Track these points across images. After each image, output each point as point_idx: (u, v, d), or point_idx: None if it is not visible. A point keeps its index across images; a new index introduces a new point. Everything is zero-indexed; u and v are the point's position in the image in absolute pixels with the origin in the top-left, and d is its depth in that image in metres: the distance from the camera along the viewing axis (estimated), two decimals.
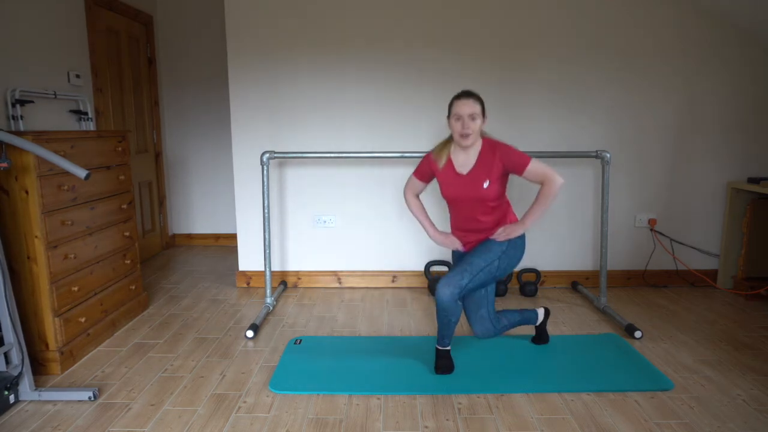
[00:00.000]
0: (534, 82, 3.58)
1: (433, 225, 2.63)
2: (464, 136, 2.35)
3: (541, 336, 2.81)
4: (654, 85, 3.60)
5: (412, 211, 2.66)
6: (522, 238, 2.48)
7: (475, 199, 2.41)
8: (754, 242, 3.54)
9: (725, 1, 3.40)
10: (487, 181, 2.37)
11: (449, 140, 2.50)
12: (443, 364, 2.50)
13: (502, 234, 2.42)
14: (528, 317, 2.70)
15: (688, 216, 3.77)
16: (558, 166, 3.68)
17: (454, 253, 2.66)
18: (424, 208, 2.66)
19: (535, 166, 2.34)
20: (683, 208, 3.76)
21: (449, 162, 2.47)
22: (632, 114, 3.64)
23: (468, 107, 2.33)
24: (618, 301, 3.53)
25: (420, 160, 2.64)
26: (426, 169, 2.56)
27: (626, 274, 3.83)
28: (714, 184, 3.74)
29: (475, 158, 2.41)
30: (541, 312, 2.78)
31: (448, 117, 2.41)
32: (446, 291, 2.32)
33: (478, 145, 2.42)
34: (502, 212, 2.47)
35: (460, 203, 2.46)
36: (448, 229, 2.79)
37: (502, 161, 2.36)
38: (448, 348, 2.52)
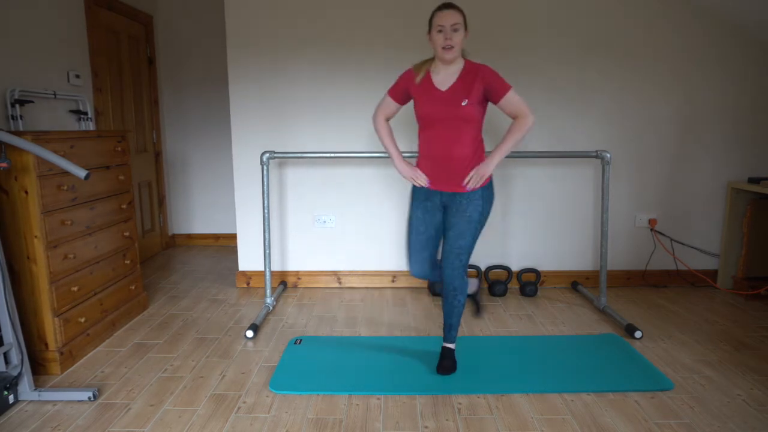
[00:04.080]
0: (534, 81, 3.58)
1: (401, 154, 2.49)
2: (447, 48, 2.23)
3: (475, 305, 2.94)
4: (654, 84, 3.60)
5: (380, 136, 2.51)
6: (490, 188, 2.41)
7: (451, 118, 2.28)
8: (755, 242, 3.54)
9: (726, 1, 3.40)
10: (466, 100, 2.26)
11: (431, 59, 2.39)
12: (446, 364, 2.48)
13: (474, 179, 2.31)
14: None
15: (689, 216, 3.77)
16: (558, 166, 3.68)
17: (418, 190, 2.48)
18: (392, 136, 2.51)
19: (514, 96, 2.28)
20: (683, 208, 3.76)
21: (428, 77, 2.35)
22: (632, 114, 3.63)
23: (450, 18, 2.22)
24: (618, 301, 3.53)
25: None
26: (402, 86, 2.41)
27: (626, 274, 3.83)
28: (714, 184, 3.74)
29: (456, 76, 2.30)
30: (474, 282, 2.85)
31: (429, 31, 2.28)
32: (452, 272, 2.36)
33: (459, 64, 2.32)
34: (474, 147, 2.34)
35: (436, 123, 2.32)
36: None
37: (484, 82, 2.27)
38: (453, 346, 2.52)
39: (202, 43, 4.75)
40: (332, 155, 3.30)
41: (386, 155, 3.29)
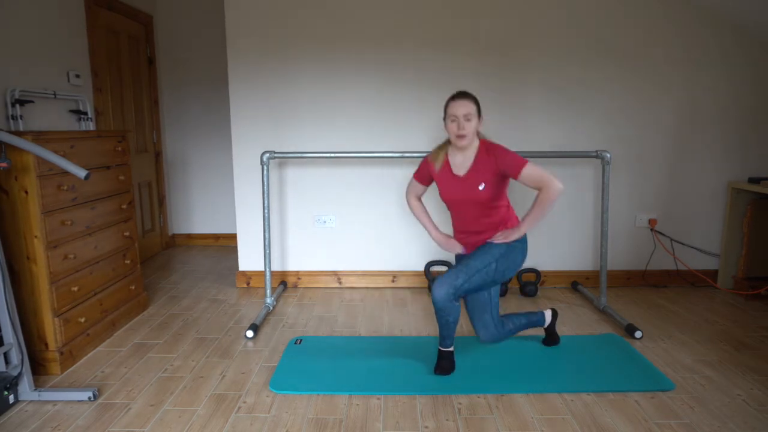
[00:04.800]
0: (534, 82, 3.58)
1: (436, 227, 2.62)
2: (460, 137, 2.34)
3: (551, 337, 2.79)
4: (654, 84, 3.59)
5: (414, 214, 2.68)
6: (522, 242, 2.45)
7: (471, 201, 2.40)
8: (755, 242, 3.54)
9: (726, 1, 3.40)
10: (483, 184, 2.36)
11: (447, 142, 2.50)
12: (443, 365, 2.50)
13: (500, 237, 2.41)
14: (534, 321, 2.68)
15: (689, 216, 3.77)
16: (558, 166, 3.68)
17: (458, 256, 2.63)
18: (426, 211, 2.66)
19: (530, 171, 2.27)
20: (683, 208, 3.76)
21: (446, 164, 2.47)
22: (632, 114, 3.63)
23: (463, 108, 2.32)
24: (618, 301, 3.53)
25: (420, 160, 2.63)
26: (424, 172, 2.56)
27: (626, 274, 3.83)
28: (714, 184, 3.73)
29: (472, 160, 2.40)
30: (548, 314, 2.76)
31: (444, 119, 2.40)
32: (440, 291, 2.32)
33: (475, 147, 2.41)
34: (501, 215, 2.45)
35: (459, 205, 2.46)
36: (451, 232, 2.76)
37: (497, 163, 2.33)
38: (451, 349, 2.52)
39: (202, 43, 4.75)
40: (332, 155, 3.31)
41: (386, 155, 3.30)
